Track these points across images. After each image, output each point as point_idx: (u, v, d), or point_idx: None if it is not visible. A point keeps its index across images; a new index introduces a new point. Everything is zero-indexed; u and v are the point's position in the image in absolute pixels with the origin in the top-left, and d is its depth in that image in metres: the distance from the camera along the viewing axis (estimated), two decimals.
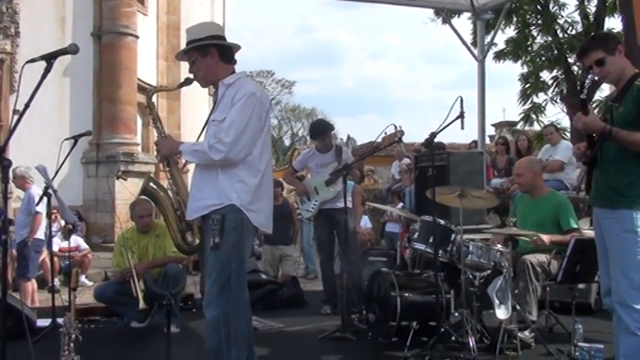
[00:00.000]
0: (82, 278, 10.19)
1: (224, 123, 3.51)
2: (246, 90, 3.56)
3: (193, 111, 16.35)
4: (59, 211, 8.80)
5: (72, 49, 2.93)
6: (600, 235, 3.71)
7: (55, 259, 9.77)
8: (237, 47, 3.77)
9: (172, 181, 3.91)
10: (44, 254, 9.29)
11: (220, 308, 3.49)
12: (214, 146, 3.46)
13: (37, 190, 7.23)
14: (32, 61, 2.91)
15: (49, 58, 2.90)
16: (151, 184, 4.13)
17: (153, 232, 6.15)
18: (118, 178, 13.06)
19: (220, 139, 3.45)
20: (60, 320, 4.93)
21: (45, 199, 5.93)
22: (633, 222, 3.43)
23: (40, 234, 7.31)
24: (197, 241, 3.91)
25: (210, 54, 3.64)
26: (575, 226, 5.25)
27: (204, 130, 3.78)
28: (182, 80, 3.91)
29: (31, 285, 7.75)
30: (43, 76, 2.86)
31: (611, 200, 3.54)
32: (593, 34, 3.86)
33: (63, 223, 10.11)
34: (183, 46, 3.81)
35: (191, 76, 3.77)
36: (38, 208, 7.03)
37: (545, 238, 5.07)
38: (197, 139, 3.83)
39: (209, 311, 3.53)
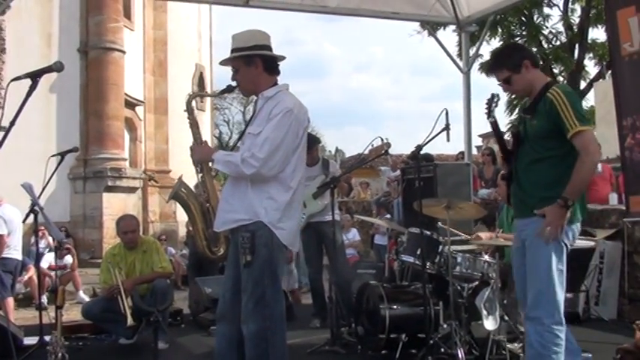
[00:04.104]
0: (80, 294, 10.12)
1: (258, 138, 3.46)
2: (283, 106, 3.50)
3: (181, 125, 16.24)
4: (46, 229, 8.75)
5: (57, 67, 2.93)
6: (516, 251, 3.63)
7: (47, 277, 9.80)
8: (282, 58, 3.71)
9: (203, 188, 3.88)
10: (31, 272, 9.24)
11: (257, 323, 3.48)
12: (247, 160, 3.42)
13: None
14: (17, 79, 2.91)
15: (34, 76, 2.90)
16: (182, 188, 4.11)
17: (140, 248, 6.11)
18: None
19: (253, 154, 3.41)
20: (47, 338, 4.89)
21: (32, 216, 5.88)
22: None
23: (11, 253, 7.07)
24: (222, 250, 3.93)
25: (254, 64, 3.57)
26: None
27: (240, 141, 3.75)
28: (224, 87, 3.84)
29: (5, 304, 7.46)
30: (28, 94, 2.85)
31: (531, 209, 3.44)
32: (497, 49, 3.77)
33: (51, 239, 10.06)
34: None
35: (233, 83, 3.72)
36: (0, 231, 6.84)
37: (483, 235, 5.16)
38: (232, 150, 3.81)
39: (246, 327, 3.51)
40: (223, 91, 3.97)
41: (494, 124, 3.74)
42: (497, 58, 3.70)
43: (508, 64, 3.52)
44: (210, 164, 3.75)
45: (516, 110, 17.11)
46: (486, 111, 3.69)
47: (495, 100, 3.68)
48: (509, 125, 17.21)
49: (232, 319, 3.61)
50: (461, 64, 8.65)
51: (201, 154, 3.76)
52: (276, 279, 3.58)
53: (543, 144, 3.43)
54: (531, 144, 3.49)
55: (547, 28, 17.20)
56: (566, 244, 3.42)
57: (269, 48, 3.66)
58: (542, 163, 3.44)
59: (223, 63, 3.74)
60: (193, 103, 3.94)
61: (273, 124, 3.46)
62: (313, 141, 6.70)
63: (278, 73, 3.70)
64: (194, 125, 3.90)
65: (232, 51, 3.63)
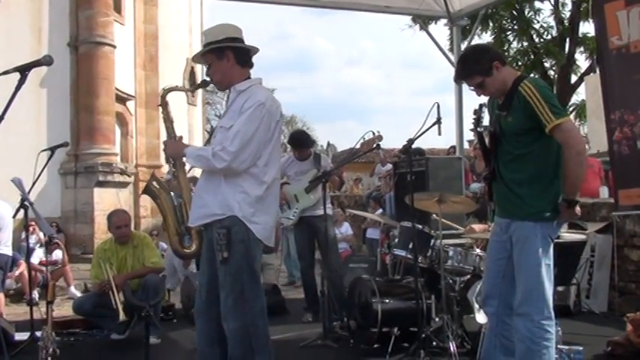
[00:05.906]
0: (72, 289, 10.07)
1: (230, 131, 3.45)
2: (255, 99, 3.49)
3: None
4: (37, 224, 8.71)
5: (46, 61, 2.91)
6: (496, 244, 3.65)
7: (38, 273, 9.74)
8: (255, 50, 3.69)
9: (176, 183, 3.87)
10: (22, 267, 9.19)
11: (238, 320, 3.48)
12: (218, 154, 3.41)
13: None
14: (5, 73, 2.88)
15: (23, 70, 2.87)
16: (154, 182, 4.09)
17: (131, 242, 6.10)
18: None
19: (224, 148, 3.41)
20: (38, 334, 4.88)
21: (22, 211, 5.85)
22: (538, 231, 3.39)
23: (2, 249, 7.02)
24: (194, 246, 3.93)
25: (225, 57, 3.56)
26: None
27: (213, 136, 3.74)
28: (199, 82, 3.85)
29: None
30: (17, 89, 2.83)
31: (517, 211, 3.46)
32: (463, 56, 3.72)
33: (42, 235, 10.00)
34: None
35: (208, 78, 3.72)
36: None
37: (477, 227, 5.18)
38: (204, 144, 3.79)
39: (228, 324, 3.51)
40: (197, 86, 3.98)
41: (481, 135, 3.74)
42: (465, 65, 3.59)
43: (479, 70, 3.47)
44: (183, 159, 3.76)
45: None
46: (474, 122, 3.65)
47: (484, 110, 3.66)
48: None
49: (209, 315, 3.61)
50: (452, 58, 8.65)
51: (173, 149, 3.76)
52: (255, 274, 3.58)
53: (521, 140, 3.43)
54: (508, 141, 3.49)
55: (538, 22, 17.26)
56: (552, 239, 3.44)
57: (241, 41, 3.65)
58: (523, 159, 3.44)
59: (195, 59, 3.76)
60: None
61: (244, 117, 3.45)
62: (308, 143, 6.68)
63: (251, 65, 3.69)
64: (168, 120, 3.90)
65: (204, 46, 3.62)
